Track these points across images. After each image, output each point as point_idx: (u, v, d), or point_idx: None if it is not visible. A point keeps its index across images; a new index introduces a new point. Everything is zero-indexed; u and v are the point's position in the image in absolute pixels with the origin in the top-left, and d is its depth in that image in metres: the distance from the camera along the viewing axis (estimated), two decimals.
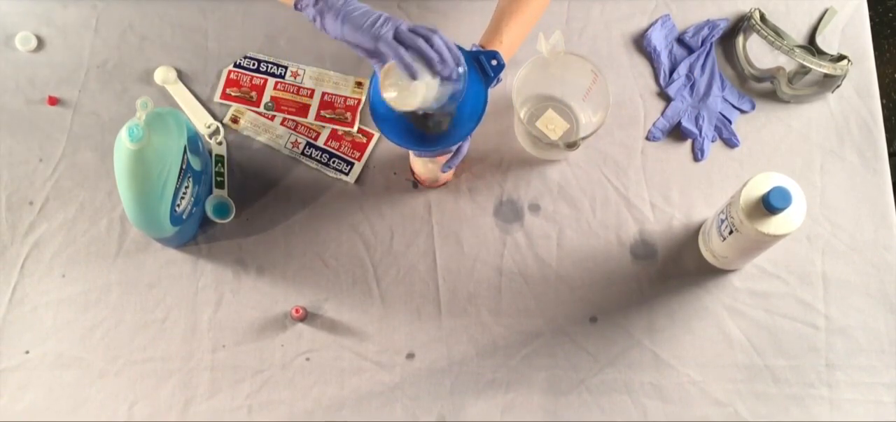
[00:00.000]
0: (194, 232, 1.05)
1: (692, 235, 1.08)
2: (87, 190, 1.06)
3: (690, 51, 1.16)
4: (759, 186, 0.93)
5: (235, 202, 1.06)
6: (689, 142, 1.12)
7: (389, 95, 0.85)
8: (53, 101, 1.10)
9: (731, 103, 1.14)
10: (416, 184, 1.08)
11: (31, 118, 1.09)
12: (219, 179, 1.07)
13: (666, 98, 1.14)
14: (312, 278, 1.04)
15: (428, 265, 1.05)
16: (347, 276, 1.04)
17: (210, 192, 1.06)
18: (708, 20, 1.18)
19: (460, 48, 0.89)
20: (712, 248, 1.03)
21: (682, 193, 1.10)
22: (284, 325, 1.01)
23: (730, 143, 1.12)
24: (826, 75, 1.13)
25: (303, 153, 1.09)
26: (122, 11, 1.15)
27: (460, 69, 0.86)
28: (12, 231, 1.04)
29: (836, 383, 1.02)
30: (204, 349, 1.00)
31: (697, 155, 1.11)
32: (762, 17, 1.16)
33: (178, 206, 0.96)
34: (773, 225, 0.92)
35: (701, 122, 1.12)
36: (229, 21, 1.15)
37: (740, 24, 1.18)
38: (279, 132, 1.10)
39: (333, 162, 1.09)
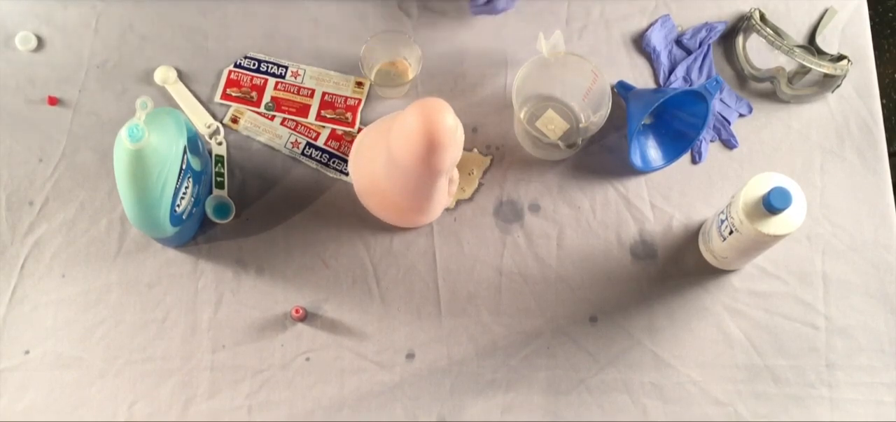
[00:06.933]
0: (194, 232, 1.05)
1: (692, 236, 1.08)
2: (87, 190, 1.06)
3: (688, 53, 1.16)
4: (759, 187, 0.93)
5: (235, 202, 1.06)
6: None
7: None
8: (53, 101, 1.10)
9: (728, 105, 1.14)
10: None
11: (31, 118, 1.09)
12: (219, 179, 1.07)
13: None
14: (312, 278, 1.04)
15: (428, 265, 1.05)
16: (347, 276, 1.04)
17: (210, 192, 1.06)
18: (706, 23, 1.18)
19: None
20: (712, 248, 1.03)
21: (681, 194, 1.10)
22: (284, 325, 1.01)
23: (729, 144, 1.12)
24: (826, 75, 1.13)
25: (303, 153, 1.09)
26: (122, 11, 1.15)
27: None
28: (12, 231, 1.04)
29: (836, 384, 1.02)
30: (204, 349, 1.00)
31: (696, 157, 1.11)
32: (762, 17, 1.16)
33: (178, 206, 0.96)
34: (773, 225, 0.92)
35: None
36: (229, 21, 1.15)
37: (740, 24, 1.18)
38: (279, 132, 1.10)
39: (333, 162, 1.09)
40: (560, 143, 1.07)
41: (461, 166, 1.08)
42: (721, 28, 1.18)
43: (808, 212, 0.93)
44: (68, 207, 1.05)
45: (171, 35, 1.14)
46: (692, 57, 1.16)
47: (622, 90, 1.13)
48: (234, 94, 1.12)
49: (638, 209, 1.09)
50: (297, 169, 1.09)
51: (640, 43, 1.17)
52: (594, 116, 1.09)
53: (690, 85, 1.15)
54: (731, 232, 0.96)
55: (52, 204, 1.05)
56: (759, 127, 1.14)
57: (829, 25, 1.19)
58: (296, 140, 1.10)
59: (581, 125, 1.12)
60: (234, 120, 1.11)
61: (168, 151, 0.92)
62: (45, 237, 1.04)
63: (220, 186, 1.07)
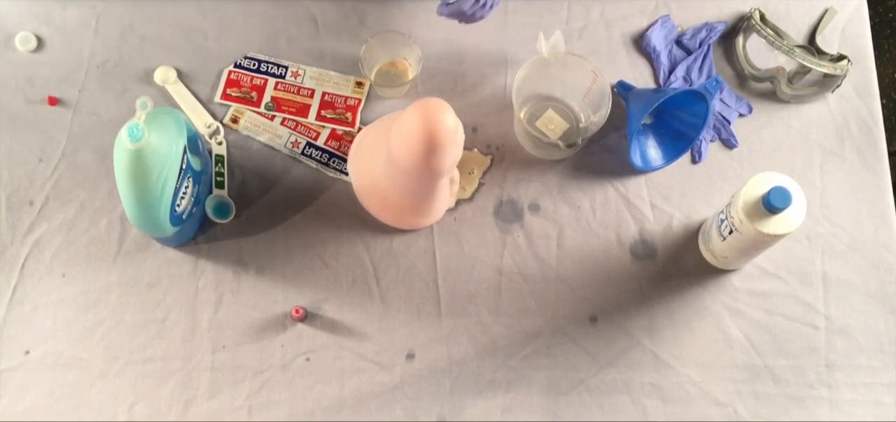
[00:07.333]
0: (194, 232, 1.05)
1: (692, 235, 1.08)
2: (87, 190, 1.06)
3: (688, 53, 1.16)
4: (758, 186, 0.93)
5: (235, 202, 1.06)
6: None
7: None
8: (53, 101, 1.10)
9: (729, 105, 1.14)
10: None
11: (31, 118, 1.09)
12: (219, 179, 1.07)
13: None
14: (312, 278, 1.04)
15: (428, 265, 1.05)
16: (347, 276, 1.04)
17: (210, 192, 1.06)
18: (706, 23, 1.18)
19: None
20: (712, 248, 1.03)
21: (681, 193, 1.10)
22: (284, 325, 1.01)
23: (729, 143, 1.12)
24: (826, 75, 1.13)
25: (303, 153, 1.09)
26: (122, 11, 1.15)
27: None
28: (12, 231, 1.04)
29: (835, 384, 1.02)
30: (204, 350, 1.00)
31: (696, 157, 1.11)
32: (762, 17, 1.16)
33: (178, 206, 0.96)
34: (773, 225, 0.92)
35: None
36: (229, 21, 1.15)
37: (740, 24, 1.18)
38: (279, 132, 1.10)
39: (333, 162, 1.09)
40: (560, 143, 1.07)
41: (461, 166, 1.08)
42: (721, 28, 1.18)
43: (807, 212, 0.93)
44: (68, 207, 1.05)
45: (171, 35, 1.14)
46: (692, 57, 1.16)
47: (622, 90, 1.13)
48: (234, 94, 1.12)
49: (638, 209, 1.09)
50: (297, 169, 1.09)
51: (640, 43, 1.17)
52: (594, 115, 1.09)
53: (690, 85, 1.15)
54: (730, 232, 0.96)
55: (52, 204, 1.05)
56: (759, 127, 1.14)
57: (829, 25, 1.19)
58: (296, 140, 1.10)
59: (581, 125, 1.12)
60: (234, 120, 1.11)
61: (168, 151, 0.92)
62: (45, 237, 1.04)
63: (220, 185, 1.07)
